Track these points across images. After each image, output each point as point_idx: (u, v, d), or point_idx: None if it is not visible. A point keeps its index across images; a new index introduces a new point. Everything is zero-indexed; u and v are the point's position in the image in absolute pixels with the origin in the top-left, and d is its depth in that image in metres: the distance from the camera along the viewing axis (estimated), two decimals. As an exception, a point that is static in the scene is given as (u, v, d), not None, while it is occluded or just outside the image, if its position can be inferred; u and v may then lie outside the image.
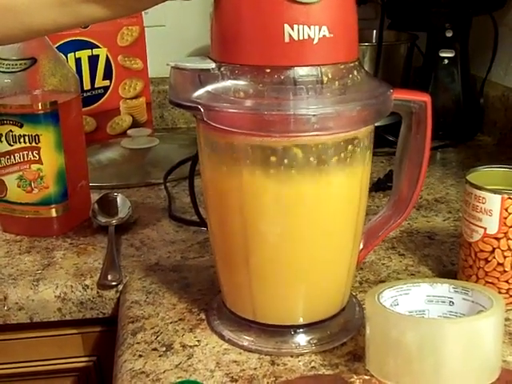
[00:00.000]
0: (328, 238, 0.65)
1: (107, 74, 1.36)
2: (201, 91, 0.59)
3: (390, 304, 0.63)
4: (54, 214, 0.93)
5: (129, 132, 1.32)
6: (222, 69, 0.59)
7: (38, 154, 0.91)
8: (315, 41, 0.56)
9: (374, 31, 1.41)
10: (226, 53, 0.59)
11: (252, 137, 0.58)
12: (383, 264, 0.85)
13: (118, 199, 1.00)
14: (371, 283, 0.80)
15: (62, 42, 1.28)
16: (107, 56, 1.35)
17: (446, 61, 1.36)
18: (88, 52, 1.32)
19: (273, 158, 0.59)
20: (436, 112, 1.31)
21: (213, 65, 0.59)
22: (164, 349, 0.67)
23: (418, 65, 1.41)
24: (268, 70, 0.57)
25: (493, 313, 0.59)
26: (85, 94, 1.31)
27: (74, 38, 1.30)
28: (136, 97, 1.40)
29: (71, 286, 0.81)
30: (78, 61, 1.31)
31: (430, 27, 1.38)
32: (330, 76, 0.58)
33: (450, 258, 0.86)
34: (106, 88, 1.36)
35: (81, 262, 0.86)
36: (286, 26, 0.56)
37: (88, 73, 1.33)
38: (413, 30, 1.40)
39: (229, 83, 0.58)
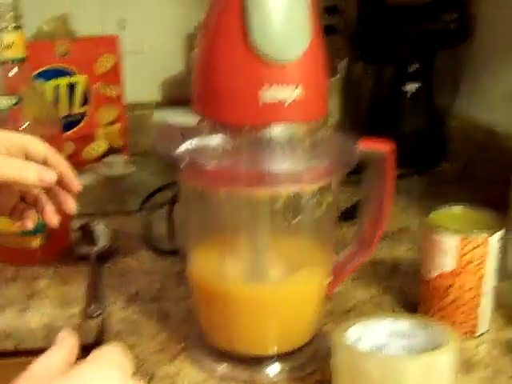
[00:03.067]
0: (298, 276, 0.71)
1: (84, 101, 1.40)
2: (183, 146, 0.64)
3: (355, 339, 0.68)
4: (37, 243, 0.98)
5: (105, 159, 1.36)
6: (202, 125, 0.64)
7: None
8: (289, 101, 0.62)
9: (342, 62, 1.47)
10: (207, 110, 0.65)
11: (230, 189, 0.64)
12: (349, 294, 0.90)
13: (99, 228, 1.04)
14: (338, 314, 0.86)
15: (42, 69, 1.32)
16: (85, 83, 1.39)
17: (411, 93, 1.42)
18: (66, 79, 1.37)
19: (248, 210, 0.65)
20: (401, 141, 1.38)
21: (195, 121, 0.64)
22: (147, 379, 0.72)
23: (385, 95, 1.48)
24: (245, 128, 0.63)
25: (448, 349, 0.65)
26: (62, 121, 1.35)
27: (53, 66, 1.34)
28: (112, 123, 1.44)
29: (57, 315, 0.86)
30: (56, 88, 1.35)
31: (396, 60, 1.44)
32: (301, 133, 0.64)
33: (411, 288, 0.91)
34: (83, 114, 1.40)
35: (65, 291, 0.91)
36: (263, 88, 0.62)
37: (66, 99, 1.38)
38: (380, 62, 1.46)
39: (209, 139, 0.64)
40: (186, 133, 0.65)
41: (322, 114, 0.66)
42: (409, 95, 1.43)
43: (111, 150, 1.44)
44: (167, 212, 0.98)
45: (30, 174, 0.64)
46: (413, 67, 1.41)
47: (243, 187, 0.63)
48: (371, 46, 1.47)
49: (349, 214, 1.14)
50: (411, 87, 1.42)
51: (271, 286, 0.70)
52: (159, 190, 1.22)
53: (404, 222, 1.15)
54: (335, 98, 1.38)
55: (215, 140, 0.64)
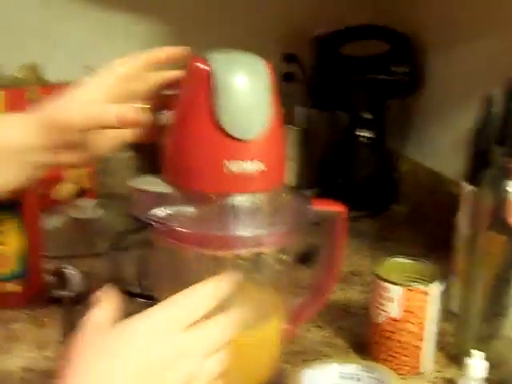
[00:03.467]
0: (260, 325, 0.79)
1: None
2: (157, 210, 0.72)
3: (310, 380, 0.76)
4: (14, 289, 1.04)
5: (74, 202, 1.42)
6: (174, 192, 0.72)
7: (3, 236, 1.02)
8: (252, 173, 0.70)
9: (299, 108, 1.56)
10: (178, 180, 0.73)
11: (198, 250, 0.72)
12: (303, 335, 0.98)
13: (71, 272, 1.11)
14: (293, 354, 0.93)
15: (13, 115, 1.38)
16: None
17: (364, 139, 1.52)
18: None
19: (214, 267, 0.73)
20: (354, 185, 1.48)
21: (167, 189, 0.72)
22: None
23: (339, 141, 1.57)
24: (213, 197, 0.71)
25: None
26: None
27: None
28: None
29: (34, 358, 0.92)
30: (27, 132, 1.42)
31: (350, 109, 1.54)
32: (263, 200, 0.72)
33: (361, 329, 0.99)
34: (52, 157, 1.46)
35: (41, 335, 0.97)
36: (228, 162, 0.70)
37: (36, 143, 1.44)
38: (335, 109, 1.56)
39: (180, 205, 0.72)
40: (160, 198, 0.72)
41: (281, 183, 0.74)
42: (362, 141, 1.52)
43: (79, 192, 1.50)
44: (140, 257, 1.04)
45: (111, 118, 0.72)
46: (365, 115, 1.51)
47: (210, 249, 0.71)
48: (327, 94, 1.56)
49: (304, 259, 1.22)
50: (364, 134, 1.52)
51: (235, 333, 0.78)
52: (128, 232, 1.29)
53: (356, 264, 1.23)
54: (294, 145, 1.46)
55: (186, 206, 0.71)
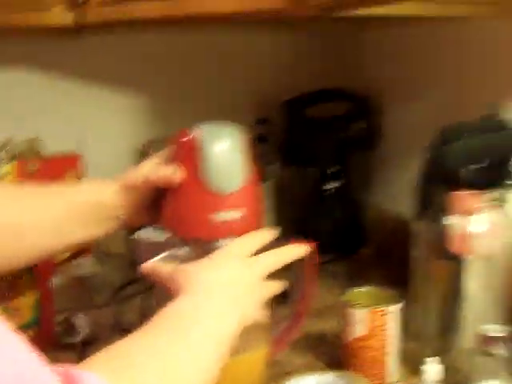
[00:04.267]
0: (247, 354, 0.94)
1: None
2: (157, 256, 0.87)
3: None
4: (30, 334, 1.19)
5: (74, 262, 1.57)
6: (171, 240, 0.88)
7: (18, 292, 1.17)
8: (235, 221, 0.87)
9: (272, 166, 1.72)
10: (174, 230, 0.89)
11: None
12: (288, 362, 1.13)
13: (79, 320, 1.25)
14: (279, 376, 1.08)
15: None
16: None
17: (333, 190, 1.68)
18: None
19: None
20: (326, 231, 1.63)
21: (164, 237, 0.88)
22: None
23: (311, 193, 1.74)
24: (203, 242, 0.87)
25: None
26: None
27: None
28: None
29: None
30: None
31: (317, 163, 1.71)
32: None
33: (336, 353, 1.14)
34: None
35: (60, 376, 1.11)
36: (214, 213, 0.86)
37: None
38: (304, 165, 1.74)
39: (176, 250, 0.87)
40: (158, 246, 0.88)
41: (260, 226, 0.90)
42: (331, 192, 1.69)
43: (76, 253, 1.64)
44: (140, 303, 1.19)
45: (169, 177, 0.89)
46: (332, 169, 1.68)
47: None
48: (296, 152, 1.74)
49: (282, 295, 1.36)
50: (332, 185, 1.68)
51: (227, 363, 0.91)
52: (125, 285, 1.44)
53: (329, 300, 1.37)
54: (269, 199, 1.63)
55: (182, 251, 0.87)
